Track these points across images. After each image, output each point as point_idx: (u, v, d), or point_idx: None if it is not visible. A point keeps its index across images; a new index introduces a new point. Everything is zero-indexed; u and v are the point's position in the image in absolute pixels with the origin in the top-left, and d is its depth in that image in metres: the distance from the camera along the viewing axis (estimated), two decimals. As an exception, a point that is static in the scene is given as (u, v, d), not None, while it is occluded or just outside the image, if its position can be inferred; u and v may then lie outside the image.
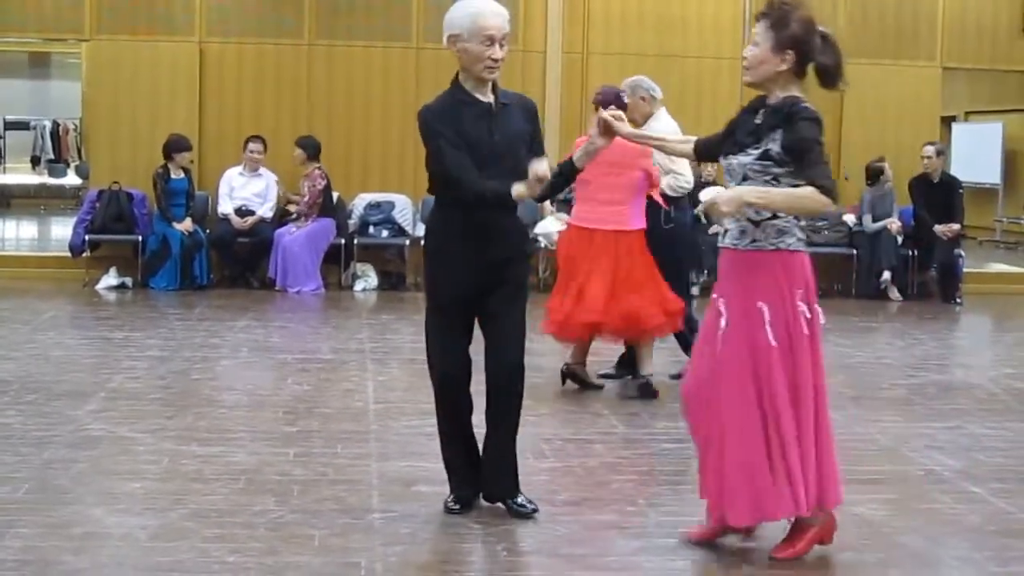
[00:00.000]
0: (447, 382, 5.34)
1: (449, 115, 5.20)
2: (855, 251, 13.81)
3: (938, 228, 13.51)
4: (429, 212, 5.51)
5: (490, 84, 5.25)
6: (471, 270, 5.20)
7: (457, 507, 5.40)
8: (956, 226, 13.62)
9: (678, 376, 8.26)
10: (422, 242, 5.68)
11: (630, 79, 8.41)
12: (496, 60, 5.15)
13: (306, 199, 13.03)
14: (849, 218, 13.98)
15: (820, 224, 13.90)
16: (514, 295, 5.32)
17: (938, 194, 13.75)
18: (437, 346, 5.34)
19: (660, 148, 6.37)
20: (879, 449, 6.77)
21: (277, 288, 12.83)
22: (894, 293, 13.60)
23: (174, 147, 12.97)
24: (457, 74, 5.28)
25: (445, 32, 5.21)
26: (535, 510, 5.37)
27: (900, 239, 13.68)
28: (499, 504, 5.41)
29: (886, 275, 13.53)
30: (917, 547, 5.09)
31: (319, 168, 13.10)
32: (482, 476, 5.47)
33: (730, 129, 5.00)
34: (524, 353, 5.32)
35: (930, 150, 13.79)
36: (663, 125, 8.10)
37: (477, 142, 5.16)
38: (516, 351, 5.29)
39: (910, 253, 13.81)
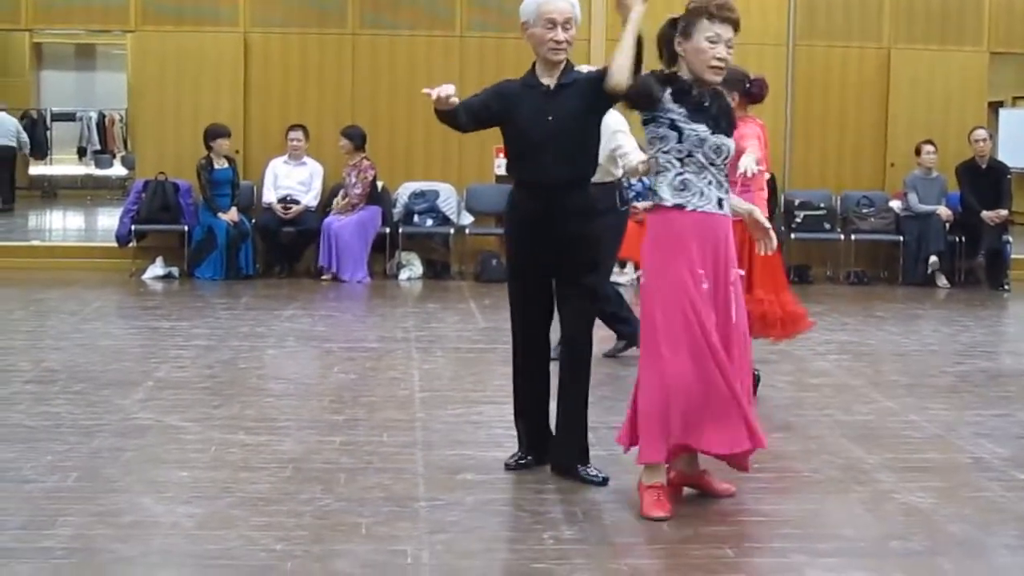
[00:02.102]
0: (526, 350, 5.68)
1: (509, 94, 5.54)
2: (902, 238, 13.70)
3: (986, 214, 13.38)
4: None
5: (560, 67, 5.52)
6: (539, 246, 5.52)
7: (515, 462, 5.74)
8: (1004, 212, 13.47)
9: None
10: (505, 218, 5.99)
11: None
12: (559, 42, 5.46)
13: (357, 190, 13.05)
14: (895, 204, 13.87)
15: (866, 211, 13.83)
16: (582, 270, 5.56)
17: (986, 180, 13.62)
18: (516, 314, 5.69)
19: None
20: (927, 437, 6.72)
21: (324, 277, 12.86)
22: (941, 280, 13.47)
23: (211, 134, 12.97)
24: (535, 61, 5.58)
25: (520, 22, 5.56)
26: (606, 479, 5.55)
27: (948, 225, 13.56)
28: (568, 475, 5.61)
29: (933, 259, 13.41)
30: (965, 535, 5.05)
31: (367, 158, 13.10)
32: (552, 446, 5.72)
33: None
34: (591, 327, 5.71)
35: (982, 133, 13.66)
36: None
37: (533, 125, 5.45)
38: (581, 326, 5.60)
39: (957, 239, 13.66)
